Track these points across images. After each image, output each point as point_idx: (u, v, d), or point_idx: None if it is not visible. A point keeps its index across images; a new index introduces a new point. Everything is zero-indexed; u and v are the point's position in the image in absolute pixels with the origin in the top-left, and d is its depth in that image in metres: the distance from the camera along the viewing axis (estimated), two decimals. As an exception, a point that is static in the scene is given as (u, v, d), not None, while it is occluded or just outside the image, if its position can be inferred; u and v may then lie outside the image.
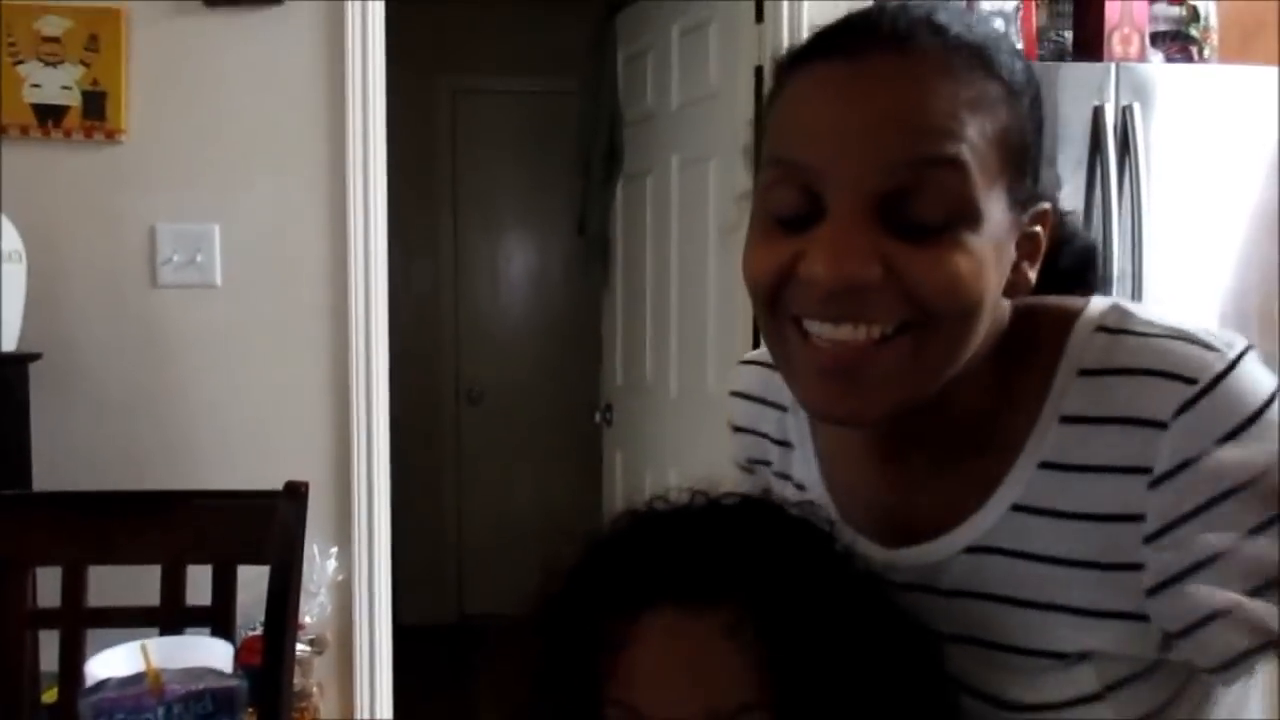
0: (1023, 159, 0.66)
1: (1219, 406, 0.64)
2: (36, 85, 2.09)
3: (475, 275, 4.22)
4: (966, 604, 0.70)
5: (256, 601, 1.47)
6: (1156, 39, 2.44)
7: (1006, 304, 0.70)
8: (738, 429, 0.89)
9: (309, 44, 2.18)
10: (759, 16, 2.35)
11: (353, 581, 2.23)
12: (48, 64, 2.09)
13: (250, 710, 1.59)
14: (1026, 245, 0.69)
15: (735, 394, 0.90)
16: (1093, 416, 0.67)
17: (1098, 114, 2.20)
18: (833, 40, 0.66)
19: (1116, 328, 0.69)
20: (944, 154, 0.61)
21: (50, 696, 1.52)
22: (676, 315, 2.72)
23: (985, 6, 2.39)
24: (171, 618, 1.42)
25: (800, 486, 0.81)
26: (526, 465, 4.17)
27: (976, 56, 0.65)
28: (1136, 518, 0.65)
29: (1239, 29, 2.48)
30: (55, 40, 2.09)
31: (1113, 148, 2.19)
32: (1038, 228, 0.69)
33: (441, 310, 4.18)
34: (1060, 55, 2.45)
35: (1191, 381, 0.64)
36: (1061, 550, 0.68)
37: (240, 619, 1.53)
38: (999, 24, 2.40)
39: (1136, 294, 2.20)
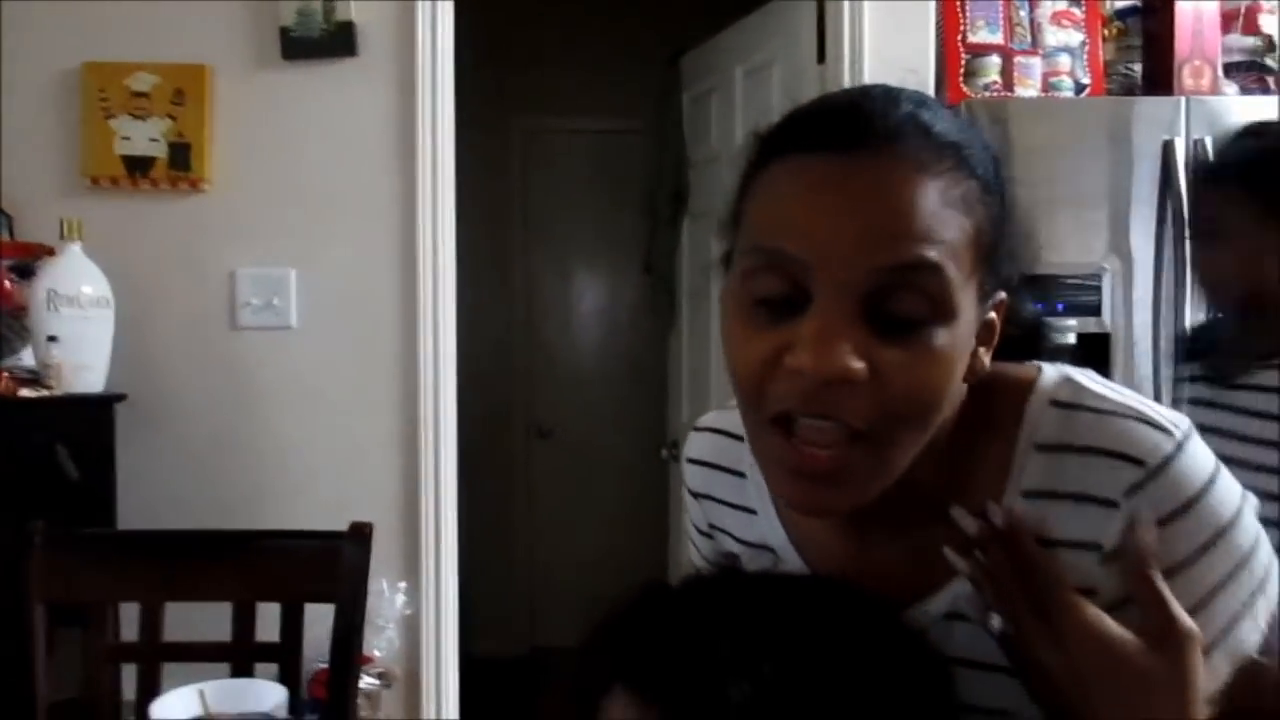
0: (993, 255, 0.68)
1: (1167, 488, 0.67)
2: (126, 138, 2.20)
3: (546, 313, 4.29)
4: None
5: (328, 635, 1.52)
6: (1231, 70, 2.39)
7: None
8: (696, 494, 0.90)
9: (382, 93, 2.26)
10: (820, 57, 2.37)
11: (421, 616, 2.28)
12: (137, 118, 2.20)
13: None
14: (984, 332, 0.71)
15: (691, 460, 0.90)
16: (1050, 492, 0.70)
17: (1168, 149, 2.16)
18: (820, 131, 0.67)
19: (1070, 402, 0.71)
20: (927, 260, 0.63)
21: (130, 727, 1.58)
22: (741, 353, 2.72)
23: (1050, 42, 2.38)
24: (242, 653, 1.48)
25: (770, 551, 0.82)
26: (595, 499, 4.20)
27: (957, 156, 0.67)
28: (1090, 591, 0.68)
29: (1318, 58, 2.42)
30: (144, 95, 2.20)
31: (1184, 182, 2.15)
32: (993, 315, 0.71)
33: (513, 348, 4.24)
34: (1130, 90, 2.41)
35: (1142, 464, 0.67)
36: None
37: (313, 653, 1.58)
38: (1066, 59, 2.39)
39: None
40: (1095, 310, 2.19)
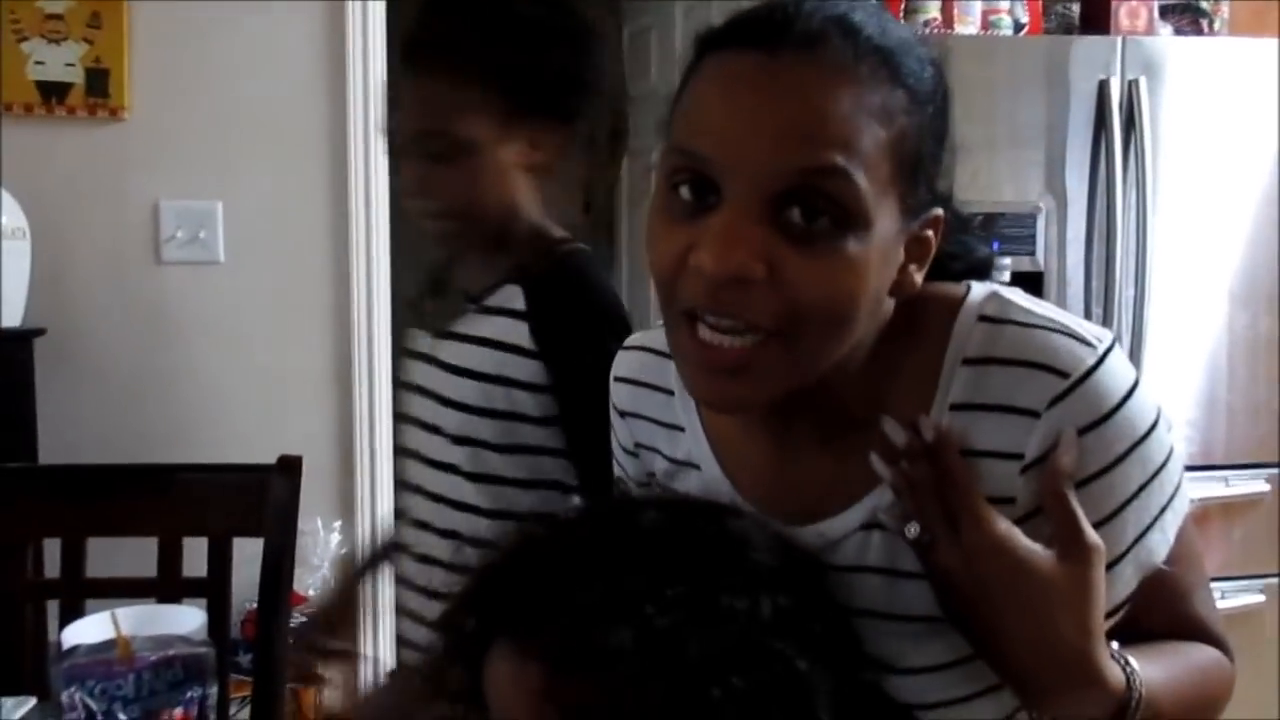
0: (918, 167, 0.67)
1: (1087, 399, 0.68)
2: (40, 63, 2.10)
3: (485, 252, 4.24)
4: (862, 578, 0.73)
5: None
6: (1165, 12, 2.41)
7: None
8: (623, 413, 0.90)
9: (312, 22, 2.18)
10: (762, -9, 2.34)
11: (355, 555, 2.25)
12: (51, 41, 2.10)
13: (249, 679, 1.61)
14: (915, 249, 0.70)
15: (619, 379, 0.90)
16: (976, 404, 0.70)
17: (1103, 88, 2.17)
18: (745, 31, 0.66)
19: (998, 317, 0.71)
20: (835, 165, 0.62)
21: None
22: (681, 292, 2.72)
23: (990, -21, 2.37)
24: (168, 589, 1.45)
25: (696, 467, 0.82)
26: (536, 442, 4.19)
27: (884, 63, 0.65)
28: (1009, 500, 0.69)
29: (1250, 1, 2.44)
30: (58, 18, 2.10)
31: (1118, 122, 2.16)
32: (929, 232, 0.70)
33: (452, 287, 4.19)
34: (1067, 29, 2.42)
35: (1065, 375, 0.68)
36: None
37: (246, 593, 1.56)
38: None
39: (1141, 271, 2.18)
40: (1030, 249, 2.21)
